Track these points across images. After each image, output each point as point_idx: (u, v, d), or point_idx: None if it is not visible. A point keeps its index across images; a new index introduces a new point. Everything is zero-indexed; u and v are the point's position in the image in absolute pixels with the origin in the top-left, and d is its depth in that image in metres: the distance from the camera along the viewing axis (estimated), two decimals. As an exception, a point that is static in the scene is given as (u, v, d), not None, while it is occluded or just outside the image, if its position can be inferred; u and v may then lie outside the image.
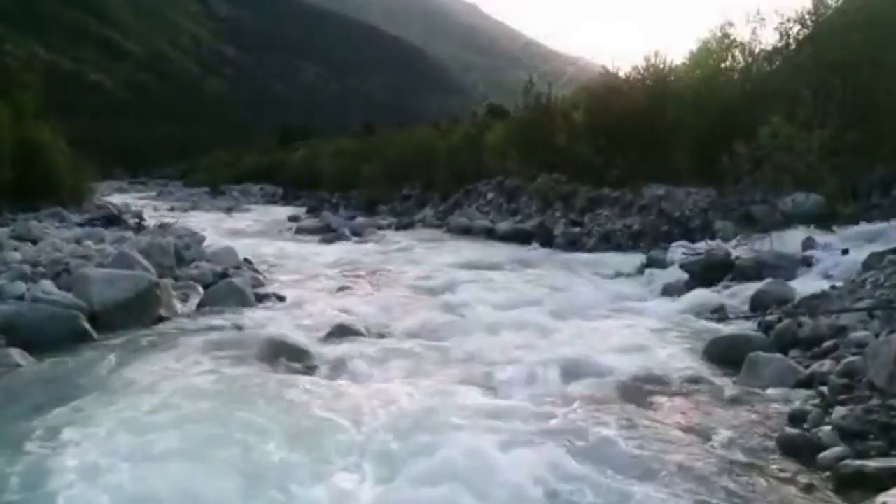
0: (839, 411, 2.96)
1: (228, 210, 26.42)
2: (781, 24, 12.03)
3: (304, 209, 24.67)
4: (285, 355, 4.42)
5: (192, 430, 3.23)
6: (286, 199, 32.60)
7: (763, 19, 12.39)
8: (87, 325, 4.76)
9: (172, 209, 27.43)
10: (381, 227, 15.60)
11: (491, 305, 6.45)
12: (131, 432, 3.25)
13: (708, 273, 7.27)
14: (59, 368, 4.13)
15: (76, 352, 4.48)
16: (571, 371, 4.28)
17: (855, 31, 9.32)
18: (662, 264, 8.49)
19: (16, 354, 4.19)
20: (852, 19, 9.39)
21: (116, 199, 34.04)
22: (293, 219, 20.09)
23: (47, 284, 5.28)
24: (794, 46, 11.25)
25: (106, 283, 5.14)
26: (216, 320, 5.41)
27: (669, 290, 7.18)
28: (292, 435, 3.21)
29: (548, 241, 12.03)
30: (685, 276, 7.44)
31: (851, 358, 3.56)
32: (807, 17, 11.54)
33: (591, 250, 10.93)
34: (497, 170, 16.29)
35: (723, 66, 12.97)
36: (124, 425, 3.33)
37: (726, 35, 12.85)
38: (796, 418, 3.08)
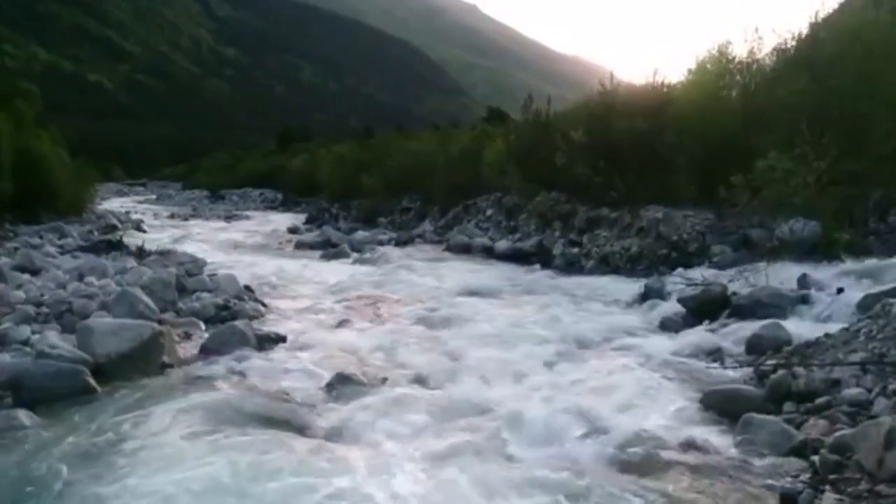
0: (828, 499, 3.03)
1: (228, 218, 26.54)
2: (779, 44, 12.11)
3: (303, 217, 24.80)
4: (284, 414, 4.50)
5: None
6: (286, 206, 32.75)
7: (761, 38, 12.47)
8: (91, 380, 4.81)
9: (172, 216, 27.57)
10: (381, 243, 15.70)
11: (491, 344, 6.53)
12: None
13: (705, 308, 7.36)
14: (64, 430, 4.18)
15: (80, 409, 4.52)
16: (570, 428, 4.36)
17: (852, 59, 9.38)
18: (660, 294, 8.57)
19: (22, 416, 4.25)
20: (848, 48, 9.44)
21: (116, 203, 34.22)
22: (293, 230, 20.20)
23: (52, 336, 5.34)
24: (791, 69, 11.29)
25: (110, 334, 5.20)
26: (218, 368, 5.46)
27: (667, 325, 7.28)
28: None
29: (546, 261, 12.10)
30: (683, 309, 7.54)
31: (843, 431, 3.63)
32: (803, 39, 11.59)
33: (589, 272, 11.02)
34: (496, 185, 16.33)
35: (721, 83, 13.02)
36: (126, 495, 3.41)
37: (724, 54, 12.91)
38: (787, 501, 3.15)
